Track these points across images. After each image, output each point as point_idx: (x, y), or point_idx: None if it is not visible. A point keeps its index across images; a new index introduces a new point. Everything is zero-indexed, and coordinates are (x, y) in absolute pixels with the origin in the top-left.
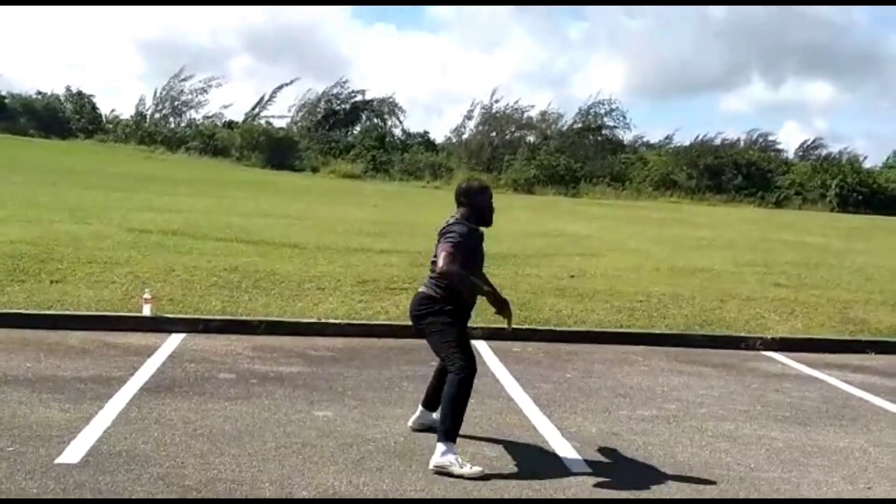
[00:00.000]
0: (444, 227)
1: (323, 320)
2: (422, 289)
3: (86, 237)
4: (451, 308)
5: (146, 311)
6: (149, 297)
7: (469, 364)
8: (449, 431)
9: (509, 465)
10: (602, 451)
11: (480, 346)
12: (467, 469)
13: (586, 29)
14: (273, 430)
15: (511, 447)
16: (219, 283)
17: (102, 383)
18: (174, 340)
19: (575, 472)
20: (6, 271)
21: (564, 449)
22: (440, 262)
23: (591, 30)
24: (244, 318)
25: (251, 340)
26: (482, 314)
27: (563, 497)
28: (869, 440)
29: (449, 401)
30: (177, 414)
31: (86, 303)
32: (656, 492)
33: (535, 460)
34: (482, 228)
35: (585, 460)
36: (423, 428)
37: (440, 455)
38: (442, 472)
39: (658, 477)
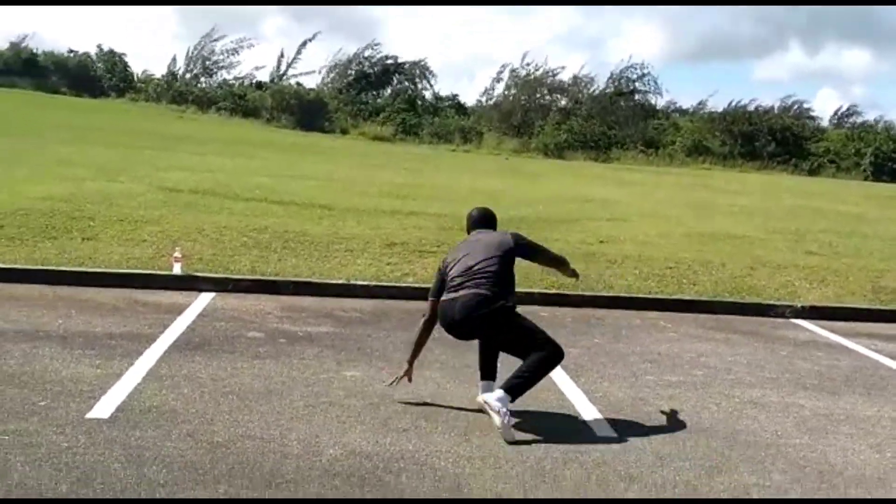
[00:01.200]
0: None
1: (352, 282)
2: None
3: (117, 195)
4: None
5: (176, 269)
6: (179, 255)
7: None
8: (514, 388)
9: (534, 428)
10: (628, 415)
11: None
12: (504, 420)
13: None
14: (301, 389)
15: (537, 410)
16: (248, 243)
17: (133, 340)
18: (204, 299)
19: (600, 436)
20: (39, 228)
21: (590, 413)
22: None
23: None
24: (273, 277)
25: (280, 300)
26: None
27: (588, 459)
28: None
29: (531, 367)
30: (206, 371)
31: (117, 260)
32: (681, 457)
33: (560, 424)
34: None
35: (611, 425)
36: None
37: (495, 398)
38: (483, 409)
39: (683, 442)
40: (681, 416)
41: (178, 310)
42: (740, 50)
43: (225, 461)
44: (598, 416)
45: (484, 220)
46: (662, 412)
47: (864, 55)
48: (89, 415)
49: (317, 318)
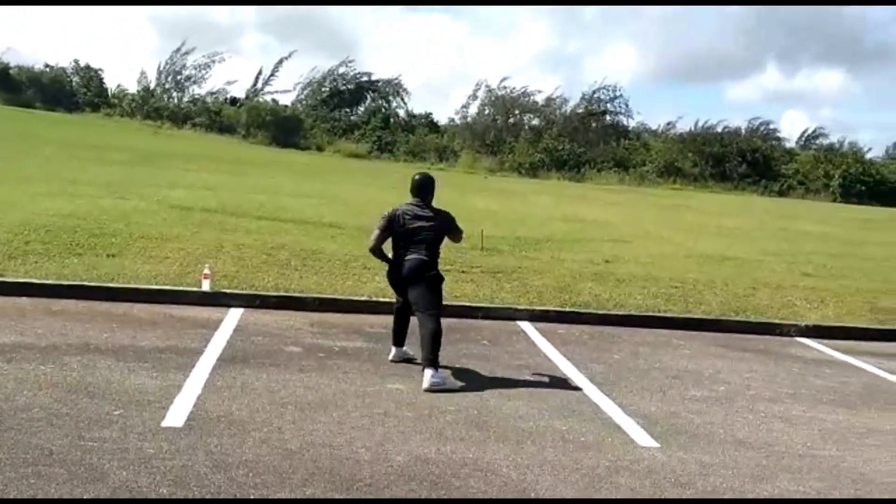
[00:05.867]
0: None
1: (374, 299)
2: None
3: (131, 213)
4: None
5: (205, 286)
6: (208, 272)
7: None
8: (435, 360)
9: (581, 438)
10: (666, 427)
11: (526, 327)
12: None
13: (601, 11)
14: (353, 400)
15: (579, 421)
16: (269, 261)
17: (180, 353)
18: (234, 315)
19: (644, 445)
20: (63, 244)
21: (629, 425)
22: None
23: (606, 12)
24: (299, 294)
25: (308, 316)
26: (525, 296)
27: (638, 468)
28: None
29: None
30: (259, 383)
31: (144, 277)
32: (723, 465)
33: (604, 434)
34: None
35: (652, 436)
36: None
37: (430, 378)
38: (436, 389)
39: (724, 452)
40: (715, 429)
41: (214, 325)
42: (717, 72)
43: (304, 466)
44: (637, 428)
45: (425, 186)
46: (696, 425)
47: (838, 76)
48: (164, 423)
49: (347, 333)
